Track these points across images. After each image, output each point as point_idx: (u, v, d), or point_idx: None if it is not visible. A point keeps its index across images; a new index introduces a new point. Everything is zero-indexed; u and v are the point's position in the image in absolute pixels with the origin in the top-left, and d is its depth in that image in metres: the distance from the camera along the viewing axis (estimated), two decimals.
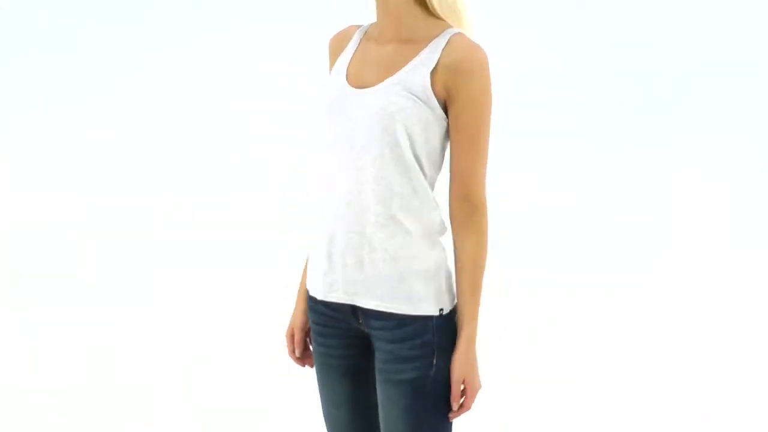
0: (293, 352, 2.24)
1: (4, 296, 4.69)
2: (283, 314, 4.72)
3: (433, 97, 2.01)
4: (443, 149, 2.05)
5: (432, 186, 2.06)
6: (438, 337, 2.05)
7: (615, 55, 9.39)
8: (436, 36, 2.04)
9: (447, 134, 2.04)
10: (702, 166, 6.57)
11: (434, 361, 2.05)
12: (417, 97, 2.01)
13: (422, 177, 2.03)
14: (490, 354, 4.15)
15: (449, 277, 2.07)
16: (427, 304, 2.05)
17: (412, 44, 2.04)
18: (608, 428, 3.63)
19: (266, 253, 5.09)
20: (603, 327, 4.40)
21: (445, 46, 2.02)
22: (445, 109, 2.02)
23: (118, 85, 8.38)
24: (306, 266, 2.21)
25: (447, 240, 2.06)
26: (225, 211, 5.76)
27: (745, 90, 8.34)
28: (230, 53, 9.37)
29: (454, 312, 2.07)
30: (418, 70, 2.02)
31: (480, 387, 2.11)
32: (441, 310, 2.06)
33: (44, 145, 6.92)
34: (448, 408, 2.08)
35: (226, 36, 9.95)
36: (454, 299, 2.07)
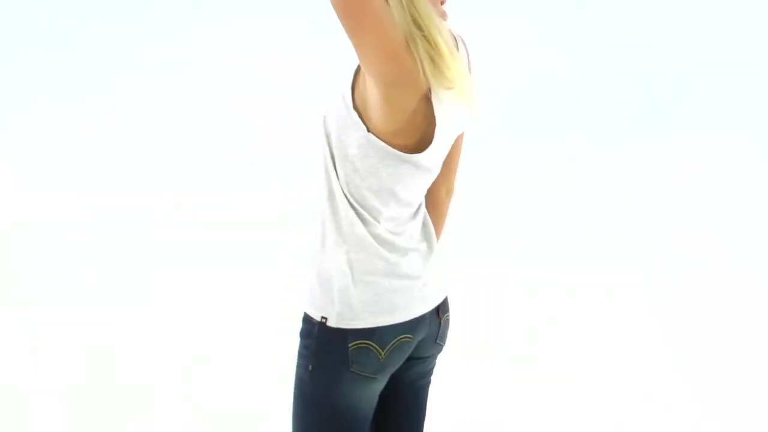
0: None
1: (4, 296, 4.70)
2: (283, 314, 4.74)
3: (350, 98, 1.96)
4: (362, 158, 1.96)
5: (355, 193, 1.97)
6: (317, 346, 1.99)
7: (615, 55, 9.39)
8: None
9: (367, 144, 1.95)
10: (702, 166, 6.57)
11: (310, 368, 2.01)
12: (342, 95, 1.98)
13: (337, 180, 1.98)
14: (489, 354, 4.17)
15: (345, 291, 1.97)
16: (312, 307, 2.02)
17: None
18: (608, 428, 3.63)
19: (266, 253, 5.10)
20: (603, 327, 4.40)
21: None
22: (362, 117, 1.95)
23: (118, 85, 8.38)
24: None
25: (371, 258, 1.98)
26: (225, 211, 5.76)
27: (745, 90, 8.34)
28: (230, 53, 9.37)
29: (348, 333, 1.97)
30: (352, 70, 2.01)
31: None
32: (324, 318, 1.98)
33: (44, 145, 6.93)
34: (326, 411, 2.02)
35: (226, 36, 9.95)
36: (348, 318, 1.97)
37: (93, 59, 9.17)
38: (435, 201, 2.17)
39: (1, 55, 9.34)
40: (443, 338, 2.15)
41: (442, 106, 1.96)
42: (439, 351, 2.17)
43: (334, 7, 1.84)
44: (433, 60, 1.91)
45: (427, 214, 2.12)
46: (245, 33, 9.89)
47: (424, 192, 2.07)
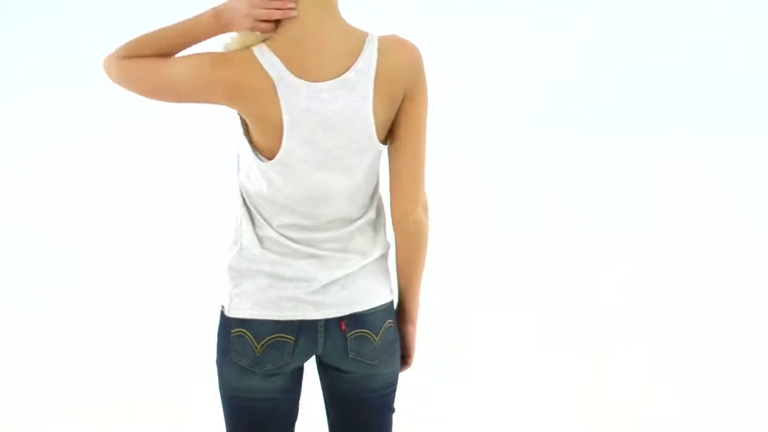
0: None
1: (3, 296, 4.70)
2: None
3: None
4: (247, 162, 1.99)
5: (250, 194, 2.01)
6: (218, 333, 2.08)
7: (615, 55, 9.40)
8: None
9: (245, 145, 1.98)
10: (702, 166, 6.57)
11: (215, 354, 2.11)
12: None
13: (237, 180, 2.05)
14: (486, 355, 4.17)
15: (233, 283, 2.04)
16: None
17: None
18: (608, 428, 3.63)
19: None
20: (603, 327, 4.41)
21: None
22: (245, 123, 1.98)
23: (117, 86, 8.39)
24: None
25: (255, 257, 2.00)
26: (225, 210, 5.77)
27: (745, 90, 8.35)
28: None
29: (232, 321, 2.03)
30: None
31: None
32: (222, 308, 2.06)
33: (44, 145, 6.93)
34: (222, 393, 2.11)
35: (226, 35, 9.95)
36: (234, 307, 2.03)
37: (93, 59, 9.18)
38: (394, 221, 2.08)
39: (1, 55, 9.35)
40: (362, 354, 2.07)
41: (295, 111, 1.91)
42: (371, 370, 2.09)
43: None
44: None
45: (377, 230, 2.07)
46: None
47: (334, 205, 2.01)
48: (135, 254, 5.22)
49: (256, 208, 2.02)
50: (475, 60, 8.95)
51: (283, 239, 2.00)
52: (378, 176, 2.05)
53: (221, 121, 7.44)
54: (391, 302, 2.11)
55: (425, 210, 2.06)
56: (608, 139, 7.21)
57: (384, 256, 2.10)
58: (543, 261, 5.12)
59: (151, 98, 1.96)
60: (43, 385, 3.91)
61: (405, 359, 2.20)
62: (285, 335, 2.02)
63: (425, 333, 4.28)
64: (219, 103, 1.94)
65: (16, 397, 3.82)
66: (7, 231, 5.55)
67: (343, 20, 1.95)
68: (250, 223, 2.02)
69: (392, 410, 2.19)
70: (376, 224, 2.07)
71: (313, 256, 2.01)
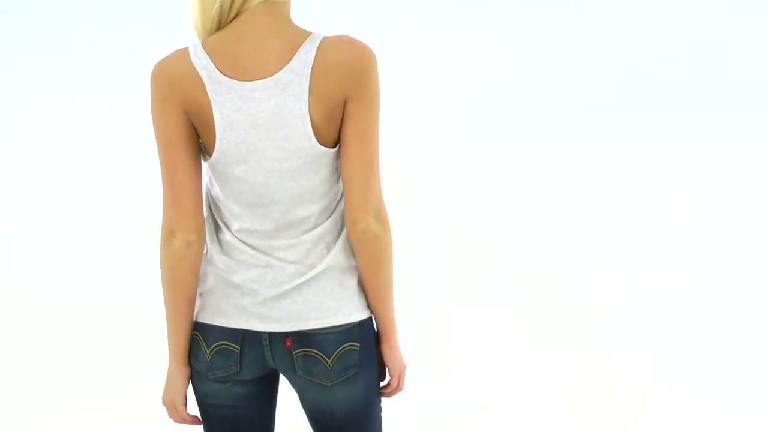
0: None
1: (4, 296, 4.70)
2: None
3: None
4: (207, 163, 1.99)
5: (214, 197, 1.98)
6: None
7: (615, 55, 9.39)
8: None
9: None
10: (700, 166, 6.56)
11: None
12: None
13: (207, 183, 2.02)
14: (485, 357, 4.17)
15: (201, 286, 2.01)
16: None
17: None
18: (606, 428, 3.63)
19: None
20: (603, 327, 4.41)
21: None
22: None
23: (117, 85, 8.39)
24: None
25: (215, 261, 1.96)
26: None
27: (743, 90, 8.34)
28: None
29: (195, 324, 2.01)
30: None
31: None
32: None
33: (44, 145, 6.92)
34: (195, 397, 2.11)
35: None
36: (197, 310, 2.01)
37: (93, 59, 9.17)
38: (347, 230, 1.94)
39: (1, 55, 9.35)
40: (311, 373, 1.95)
41: (226, 111, 1.88)
42: (325, 391, 1.97)
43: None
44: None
45: (340, 241, 1.96)
46: None
47: (281, 210, 1.93)
48: (135, 254, 5.22)
49: (218, 212, 1.98)
50: (459, 62, 8.95)
51: (241, 245, 1.95)
52: (340, 182, 1.94)
53: None
54: (358, 323, 1.95)
55: (379, 218, 1.92)
56: (601, 139, 7.21)
57: (352, 271, 1.97)
58: (534, 262, 5.12)
59: (178, 167, 1.92)
60: (43, 385, 3.92)
61: (390, 381, 2.06)
62: (230, 343, 1.97)
63: (410, 336, 4.28)
64: (180, 113, 1.90)
65: (16, 397, 3.82)
66: (7, 231, 5.55)
67: (287, 21, 1.90)
68: (213, 227, 1.99)
69: None
70: (340, 234, 1.96)
71: (267, 265, 1.94)
